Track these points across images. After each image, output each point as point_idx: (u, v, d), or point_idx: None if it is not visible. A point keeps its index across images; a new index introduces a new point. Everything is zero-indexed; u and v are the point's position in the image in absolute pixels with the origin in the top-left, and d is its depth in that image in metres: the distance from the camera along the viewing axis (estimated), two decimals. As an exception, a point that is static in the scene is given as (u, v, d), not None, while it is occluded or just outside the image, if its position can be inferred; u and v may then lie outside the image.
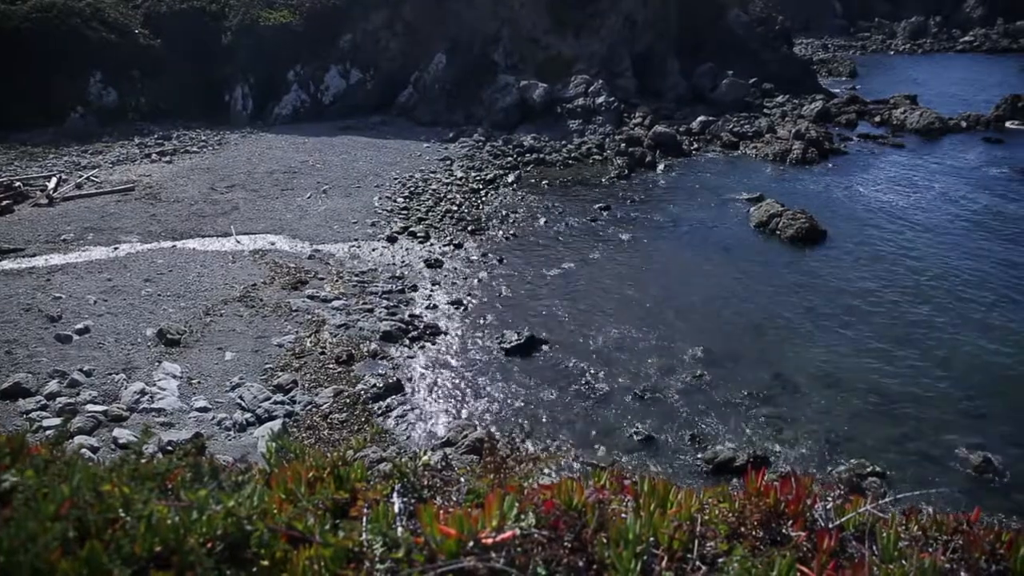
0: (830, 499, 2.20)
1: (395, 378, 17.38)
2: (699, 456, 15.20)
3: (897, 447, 15.55)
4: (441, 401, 17.09)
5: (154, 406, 15.64)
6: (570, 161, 35.96)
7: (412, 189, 30.60)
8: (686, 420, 16.47)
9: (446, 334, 19.95)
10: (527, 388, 17.65)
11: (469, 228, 27.29)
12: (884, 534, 2.02)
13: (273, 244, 24.81)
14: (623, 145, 37.34)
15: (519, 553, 1.65)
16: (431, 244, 25.79)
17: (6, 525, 1.55)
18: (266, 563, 1.67)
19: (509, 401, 17.15)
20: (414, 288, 22.42)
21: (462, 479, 2.35)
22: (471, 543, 1.63)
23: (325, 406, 16.17)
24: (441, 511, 1.82)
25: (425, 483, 2.21)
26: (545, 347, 19.38)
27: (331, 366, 17.81)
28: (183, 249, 23.84)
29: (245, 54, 39.50)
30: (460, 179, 32.13)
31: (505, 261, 24.93)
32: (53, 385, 15.93)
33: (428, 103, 41.23)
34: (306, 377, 17.22)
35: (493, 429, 15.66)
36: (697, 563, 1.81)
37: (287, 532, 1.75)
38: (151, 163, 32.53)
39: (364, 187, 30.55)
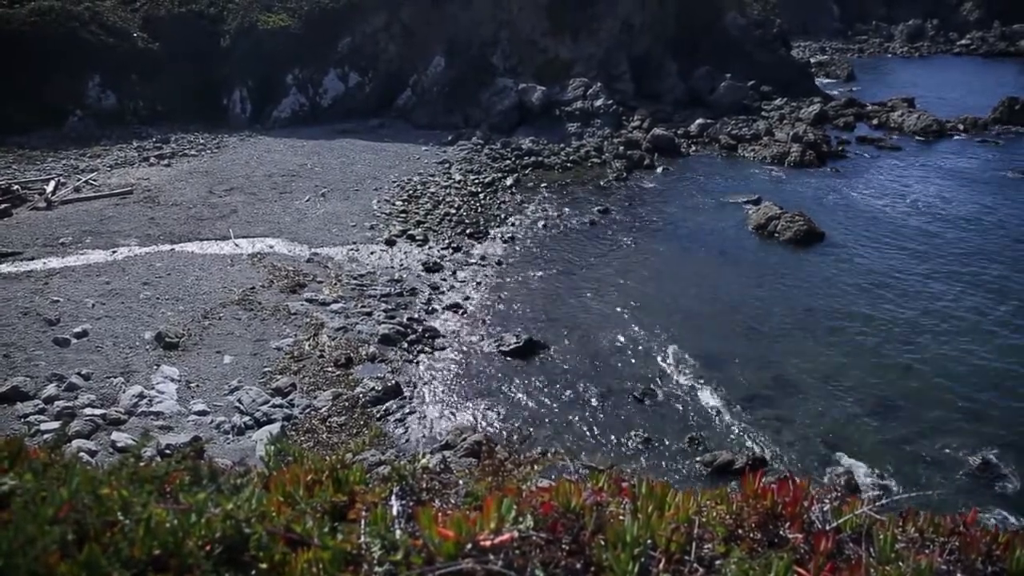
0: (827, 501, 2.20)
1: (394, 381, 17.38)
2: (698, 458, 15.20)
3: (895, 449, 15.56)
4: (440, 404, 17.08)
5: (152, 409, 15.62)
6: (568, 164, 35.98)
7: (411, 192, 30.60)
8: (685, 422, 16.48)
9: (445, 337, 19.95)
10: (526, 391, 17.65)
11: (467, 231, 27.29)
12: (881, 536, 2.02)
13: (271, 247, 24.80)
14: (621, 148, 37.38)
15: (517, 555, 1.65)
16: (430, 247, 25.79)
17: (5, 528, 1.55)
18: (265, 566, 1.68)
19: (508, 404, 17.15)
20: (413, 291, 22.41)
21: (460, 482, 2.35)
22: (469, 545, 1.63)
23: (324, 409, 16.16)
24: (439, 513, 1.82)
25: (423, 486, 2.21)
26: (544, 350, 19.38)
27: (330, 369, 17.80)
28: (181, 252, 23.82)
29: (243, 57, 39.52)
30: (459, 182, 32.14)
31: (503, 264, 24.94)
32: (51, 389, 15.91)
33: (426, 106, 41.26)
34: (305, 380, 17.20)
35: (492, 432, 15.66)
36: (695, 565, 1.81)
37: (286, 535, 1.75)
38: (149, 166, 32.52)
39: (363, 190, 30.55)
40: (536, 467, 2.52)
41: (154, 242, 24.53)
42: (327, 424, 15.71)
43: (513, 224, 28.50)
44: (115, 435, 14.65)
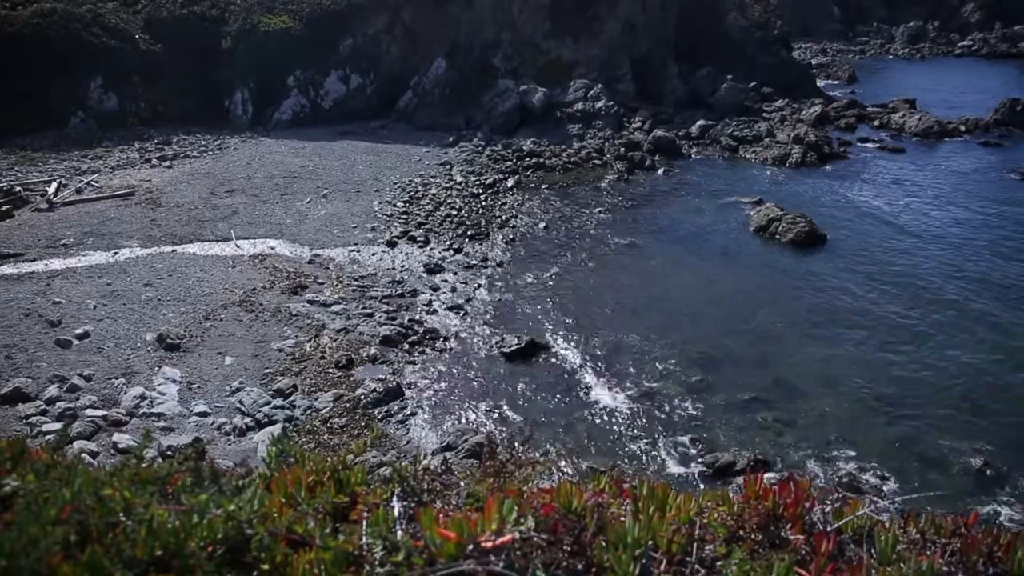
0: (828, 502, 2.20)
1: (395, 382, 17.38)
2: (699, 460, 15.20)
3: (896, 450, 15.55)
4: (441, 406, 17.08)
5: (154, 411, 15.63)
6: (570, 165, 36.00)
7: (412, 194, 30.62)
8: (686, 424, 16.47)
9: (446, 339, 19.95)
10: (527, 392, 17.65)
11: (469, 233, 27.31)
12: (882, 537, 2.02)
13: (273, 248, 24.82)
14: (623, 149, 37.39)
15: (518, 556, 1.66)
16: (431, 248, 25.80)
17: (8, 529, 1.55)
18: (266, 567, 1.68)
19: (509, 405, 17.14)
20: (414, 293, 22.42)
21: (462, 483, 2.36)
22: (470, 546, 1.64)
23: (325, 411, 16.17)
24: (441, 515, 1.83)
25: (425, 487, 2.21)
26: (545, 351, 19.38)
27: (331, 370, 17.80)
28: (183, 254, 23.85)
29: (245, 59, 39.55)
30: (460, 184, 32.16)
31: (505, 265, 24.95)
32: (53, 390, 15.92)
33: (428, 107, 41.29)
34: (306, 382, 17.21)
35: (493, 433, 15.65)
36: (696, 566, 1.81)
37: (287, 536, 1.75)
38: (151, 168, 32.55)
39: (364, 192, 30.58)
40: (537, 468, 2.52)
41: (156, 243, 24.55)
42: (328, 425, 15.72)
43: (514, 225, 28.51)
44: (116, 436, 14.66)
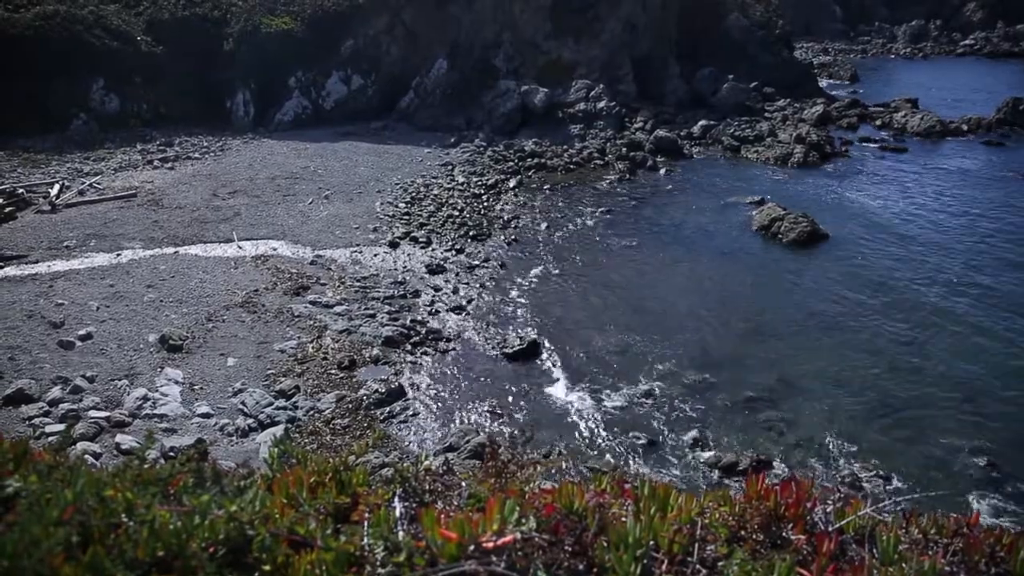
0: (830, 502, 2.20)
1: (397, 383, 17.39)
2: (701, 460, 15.19)
3: (898, 449, 15.53)
4: (443, 406, 17.09)
5: (156, 412, 15.65)
6: (571, 166, 36.00)
7: (414, 194, 30.63)
8: (688, 424, 16.45)
9: (448, 339, 19.95)
10: (529, 393, 17.64)
11: (471, 233, 27.31)
12: (884, 537, 2.02)
13: (275, 250, 24.83)
14: (624, 149, 37.38)
15: (520, 557, 1.66)
16: (433, 249, 25.81)
17: (10, 530, 1.56)
18: (268, 568, 1.68)
19: (511, 406, 17.14)
20: (416, 293, 22.43)
21: (464, 483, 2.36)
22: (472, 547, 1.64)
23: (327, 411, 16.17)
24: (442, 515, 1.83)
25: (426, 487, 2.21)
26: (547, 352, 19.38)
27: (333, 371, 17.81)
28: (185, 255, 23.87)
29: (247, 60, 39.61)
30: (462, 184, 32.17)
31: (507, 266, 24.95)
32: (56, 391, 15.94)
33: (429, 108, 41.30)
34: (308, 383, 17.22)
35: (495, 434, 15.65)
36: (697, 566, 1.81)
37: (289, 537, 1.76)
38: (153, 169, 32.59)
39: (366, 192, 30.60)
40: (539, 469, 2.53)
41: (158, 245, 24.58)
42: (331, 426, 15.73)
43: (516, 226, 28.50)
44: (119, 437, 14.68)
